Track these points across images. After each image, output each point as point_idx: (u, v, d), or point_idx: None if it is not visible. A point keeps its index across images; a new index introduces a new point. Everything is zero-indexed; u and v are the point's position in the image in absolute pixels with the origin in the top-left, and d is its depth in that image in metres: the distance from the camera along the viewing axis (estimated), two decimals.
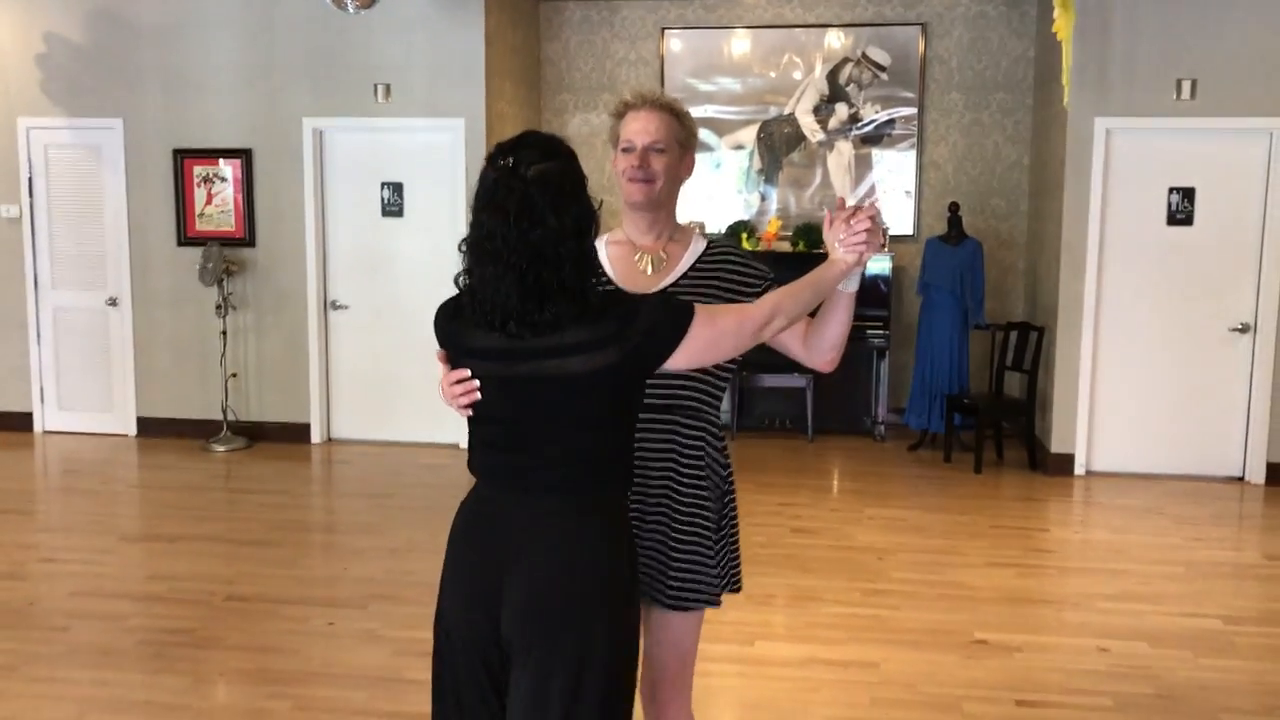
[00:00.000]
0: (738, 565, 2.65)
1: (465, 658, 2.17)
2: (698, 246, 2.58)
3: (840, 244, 2.24)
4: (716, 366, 2.42)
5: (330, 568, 5.37)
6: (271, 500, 6.56)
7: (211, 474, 7.12)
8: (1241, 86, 6.81)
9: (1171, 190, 7.02)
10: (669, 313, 2.16)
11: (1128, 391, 7.18)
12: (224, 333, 7.67)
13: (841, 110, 8.49)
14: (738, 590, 2.66)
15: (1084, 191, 7.04)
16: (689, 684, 2.62)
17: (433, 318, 2.27)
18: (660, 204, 2.54)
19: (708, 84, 8.57)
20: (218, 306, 7.62)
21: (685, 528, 2.49)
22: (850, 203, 2.37)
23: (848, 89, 8.46)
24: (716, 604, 2.55)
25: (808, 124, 8.54)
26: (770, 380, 8.18)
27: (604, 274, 2.49)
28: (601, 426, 2.16)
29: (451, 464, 7.34)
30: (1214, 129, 6.91)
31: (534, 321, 2.08)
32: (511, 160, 2.10)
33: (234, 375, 7.77)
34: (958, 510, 6.43)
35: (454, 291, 2.20)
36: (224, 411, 7.73)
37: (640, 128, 2.50)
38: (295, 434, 7.83)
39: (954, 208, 7.83)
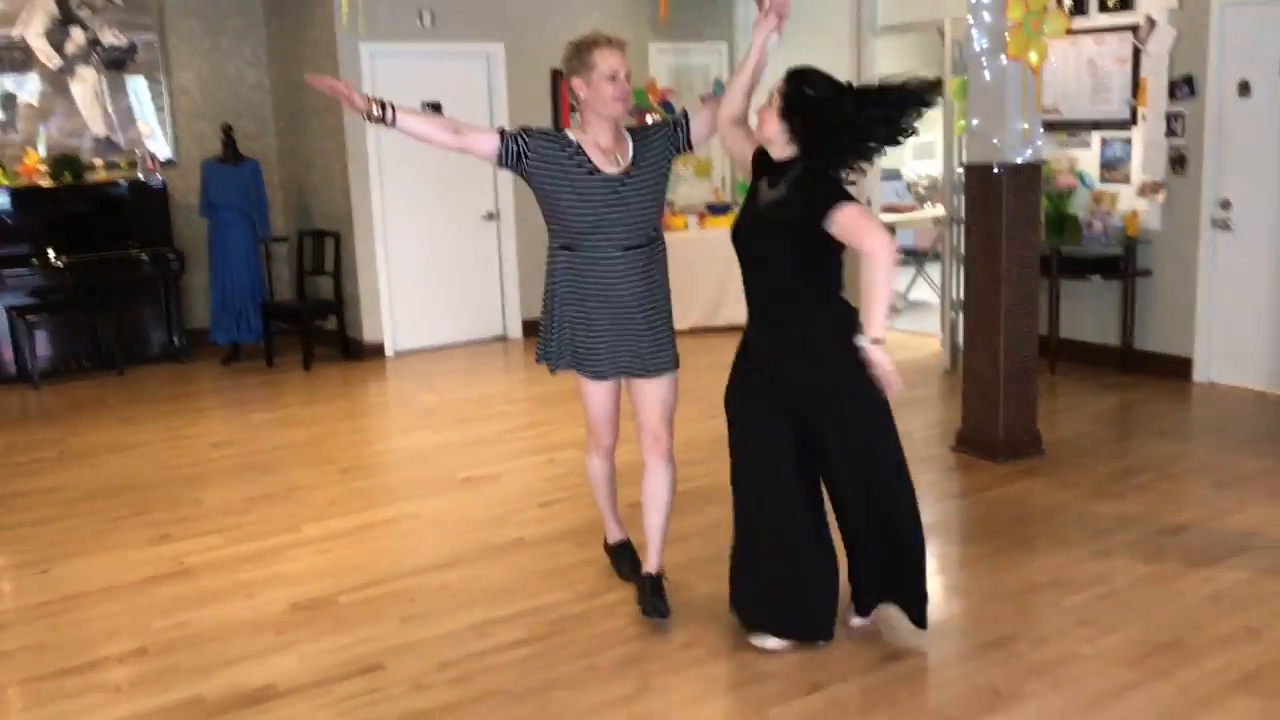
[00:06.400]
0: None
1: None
2: (629, 137, 3.56)
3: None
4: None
5: None
6: None
7: None
8: (468, 14, 8.26)
9: (423, 104, 8.27)
10: (831, 192, 3.19)
11: (412, 280, 8.40)
12: None
13: (78, 34, 8.16)
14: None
15: None
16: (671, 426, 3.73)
17: None
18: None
19: None
20: None
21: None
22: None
23: (80, 12, 8.13)
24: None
25: (41, 48, 8.05)
26: (56, 321, 7.78)
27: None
28: (796, 267, 3.26)
29: None
30: (449, 52, 8.30)
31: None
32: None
33: None
34: (323, 400, 7.12)
35: None
36: None
37: (619, 61, 3.44)
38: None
39: (227, 129, 8.17)
